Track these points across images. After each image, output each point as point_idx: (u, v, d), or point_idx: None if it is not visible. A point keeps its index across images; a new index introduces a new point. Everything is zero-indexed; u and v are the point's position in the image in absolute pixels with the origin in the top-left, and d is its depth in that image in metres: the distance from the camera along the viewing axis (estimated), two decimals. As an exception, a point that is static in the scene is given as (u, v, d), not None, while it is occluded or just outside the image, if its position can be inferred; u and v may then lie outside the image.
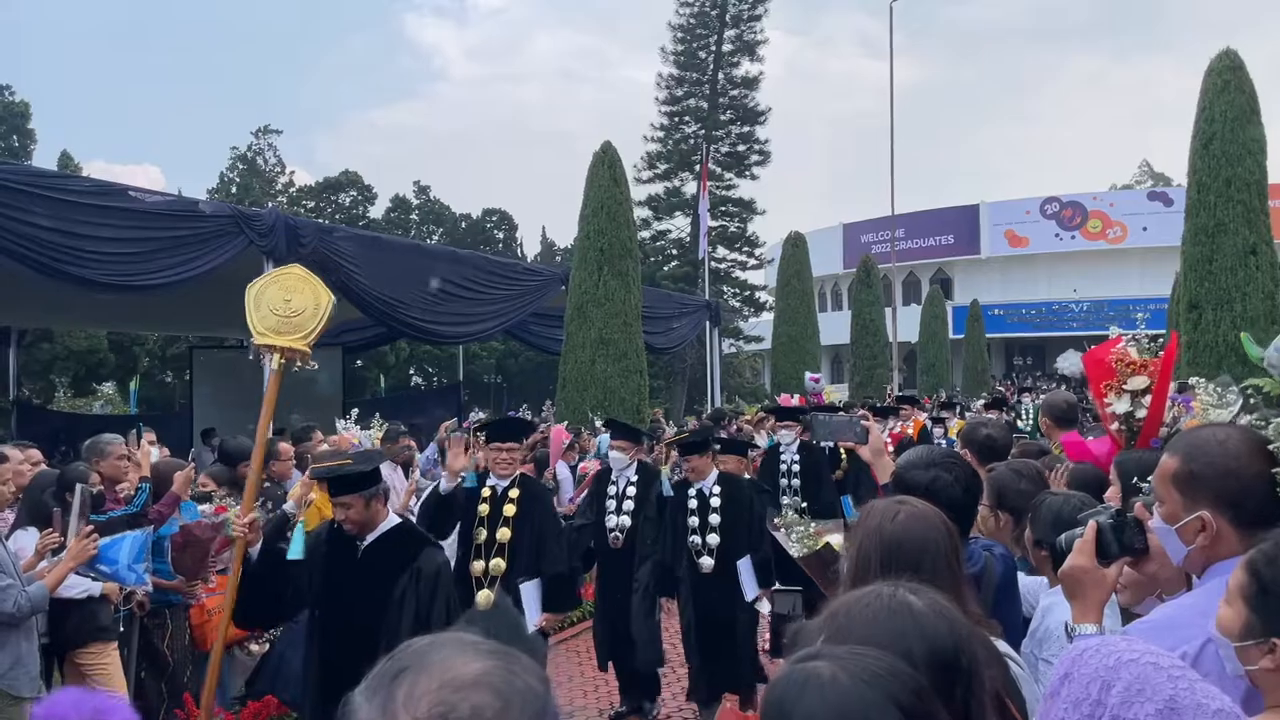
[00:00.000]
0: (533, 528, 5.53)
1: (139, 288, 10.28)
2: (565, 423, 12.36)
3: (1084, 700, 1.27)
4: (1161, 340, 3.46)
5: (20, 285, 11.28)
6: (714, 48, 38.74)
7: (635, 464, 6.79)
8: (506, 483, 5.62)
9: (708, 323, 21.32)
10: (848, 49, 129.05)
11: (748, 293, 40.28)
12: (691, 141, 38.64)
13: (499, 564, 5.44)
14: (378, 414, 8.67)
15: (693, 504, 6.23)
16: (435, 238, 45.82)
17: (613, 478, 6.78)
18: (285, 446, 7.07)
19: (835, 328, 33.39)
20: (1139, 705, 1.23)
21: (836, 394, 25.83)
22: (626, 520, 6.55)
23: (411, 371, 38.35)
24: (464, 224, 50.21)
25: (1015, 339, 45.53)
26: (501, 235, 51.80)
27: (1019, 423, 14.73)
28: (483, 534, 5.51)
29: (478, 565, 5.47)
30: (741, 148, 39.26)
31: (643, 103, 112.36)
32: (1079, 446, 3.77)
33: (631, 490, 6.64)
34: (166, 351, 30.43)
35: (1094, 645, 1.33)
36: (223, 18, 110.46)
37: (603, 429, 12.60)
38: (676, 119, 39.27)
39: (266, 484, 6.63)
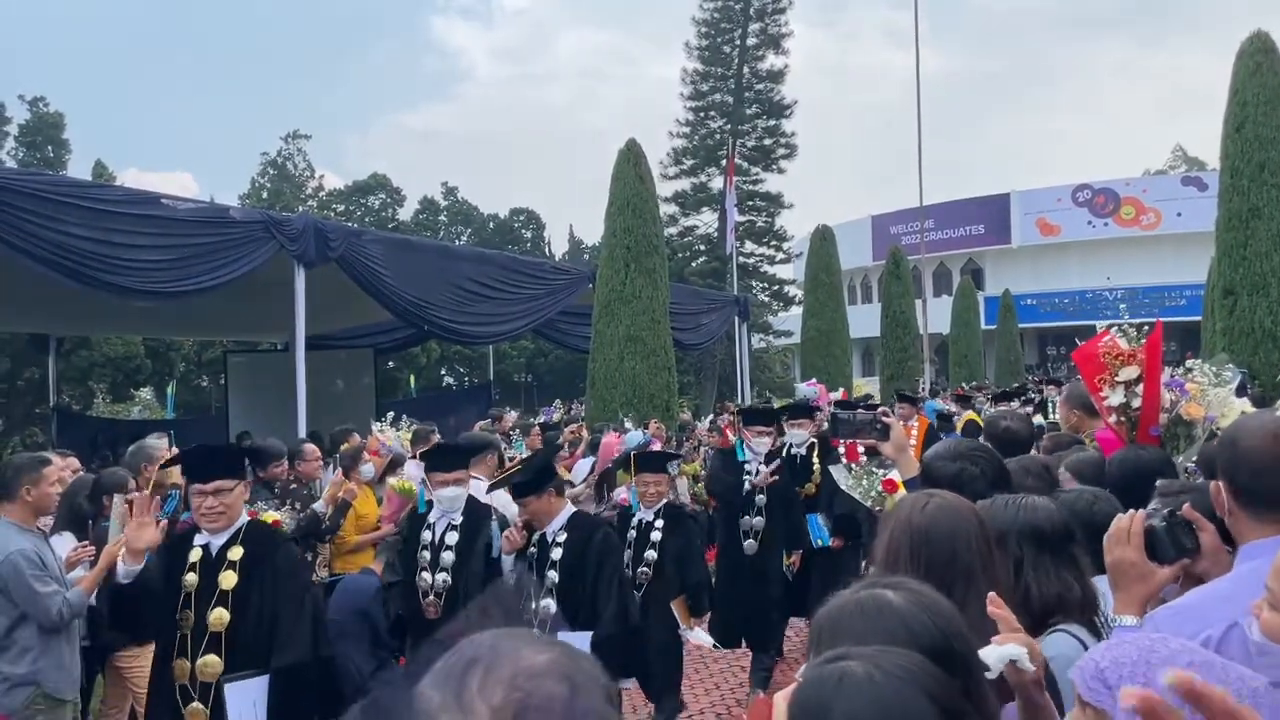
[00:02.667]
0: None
1: (173, 294, 10.42)
2: (610, 426, 12.32)
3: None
4: (1146, 328, 3.43)
5: (57, 294, 11.47)
6: (738, 42, 38.59)
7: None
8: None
9: (736, 318, 21.26)
10: (873, 40, 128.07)
11: (776, 287, 40.11)
12: (717, 136, 38.50)
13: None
14: (405, 415, 8.73)
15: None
16: (464, 238, 46.08)
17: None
18: (311, 448, 7.15)
19: (865, 321, 33.18)
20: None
21: (868, 387, 25.71)
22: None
23: (443, 372, 38.59)
24: (492, 224, 50.44)
25: (1048, 329, 45.01)
26: (529, 234, 51.99)
27: (1041, 416, 14.27)
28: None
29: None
30: (768, 142, 39.08)
31: (668, 99, 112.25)
32: (1115, 442, 3.73)
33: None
34: (202, 356, 30.82)
35: (1138, 659, 1.29)
36: (250, 26, 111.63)
37: (631, 428, 12.62)
38: (702, 114, 39.15)
39: (293, 485, 6.72)
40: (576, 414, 17.01)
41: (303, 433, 10.27)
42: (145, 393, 33.31)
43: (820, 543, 7.33)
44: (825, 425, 9.04)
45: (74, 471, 5.59)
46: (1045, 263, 45.05)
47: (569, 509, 5.03)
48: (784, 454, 7.64)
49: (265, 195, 43.78)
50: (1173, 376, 3.42)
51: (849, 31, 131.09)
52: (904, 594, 1.41)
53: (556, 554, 4.80)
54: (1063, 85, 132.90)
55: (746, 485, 7.11)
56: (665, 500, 6.13)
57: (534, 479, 4.96)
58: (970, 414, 12.45)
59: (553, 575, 4.81)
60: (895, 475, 3.28)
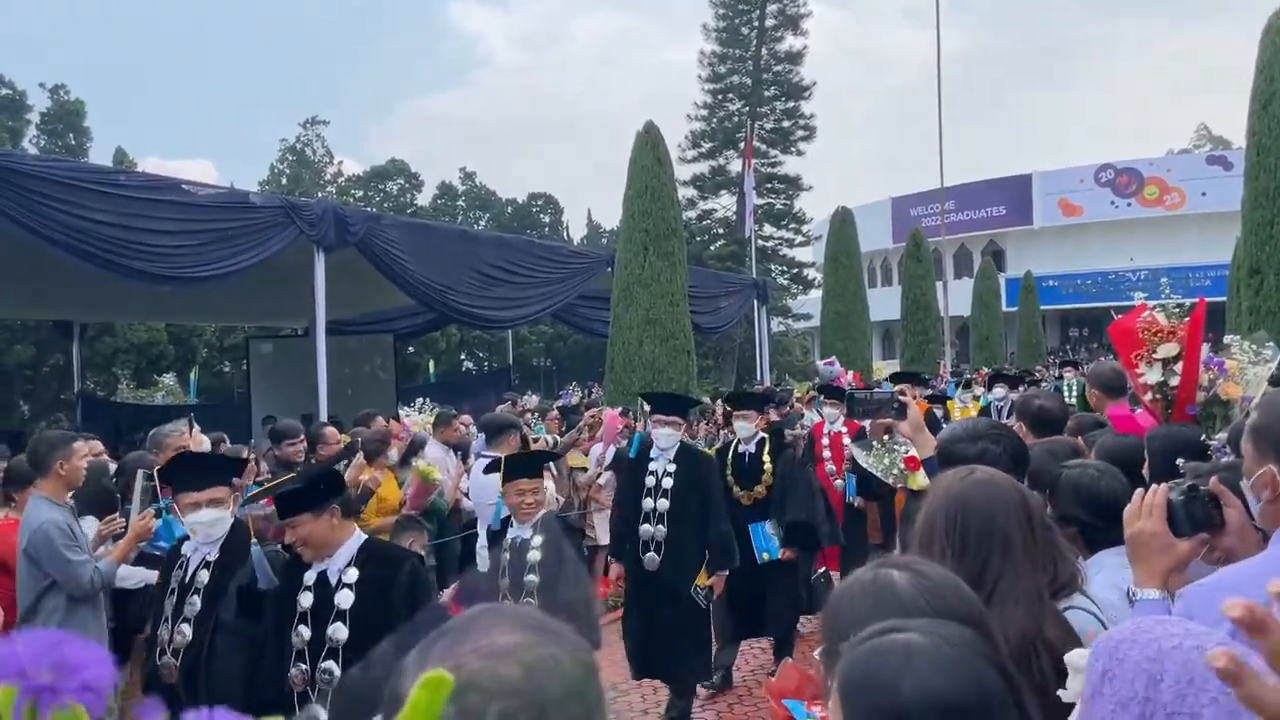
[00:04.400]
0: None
1: (194, 279, 10.49)
2: (620, 408, 12.37)
3: (1132, 699, 1.20)
4: (1189, 305, 3.38)
5: (81, 280, 11.57)
6: (757, 23, 38.31)
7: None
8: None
9: (755, 301, 21.20)
10: (892, 20, 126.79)
11: (796, 270, 39.95)
12: (736, 119, 38.28)
13: None
14: (426, 398, 8.76)
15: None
16: (482, 223, 46.10)
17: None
18: (331, 431, 7.19)
19: (885, 303, 33.01)
20: (1193, 696, 1.16)
21: (888, 370, 25.58)
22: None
23: (462, 356, 38.70)
24: (510, 209, 50.44)
25: (1070, 310, 44.63)
26: (547, 219, 51.96)
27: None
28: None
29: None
30: (786, 123, 38.85)
31: (686, 83, 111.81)
32: (1127, 420, 3.69)
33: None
34: (224, 341, 31.01)
35: (1128, 635, 1.26)
36: (268, 12, 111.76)
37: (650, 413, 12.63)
38: (720, 96, 38.94)
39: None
40: (596, 398, 17.03)
41: (324, 417, 10.33)
42: (168, 379, 33.56)
43: (768, 556, 6.50)
44: (775, 418, 8.90)
45: (96, 454, 5.65)
46: (1067, 244, 44.65)
47: (359, 538, 3.62)
48: (730, 451, 6.81)
49: (284, 181, 43.93)
50: (1211, 355, 3.36)
51: (867, 11, 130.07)
52: (910, 575, 1.38)
53: (343, 600, 3.42)
54: (1084, 64, 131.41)
55: (649, 483, 5.88)
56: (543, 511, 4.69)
57: (307, 490, 3.57)
58: (977, 403, 12.03)
59: (338, 630, 3.41)
60: (920, 476, 3.26)
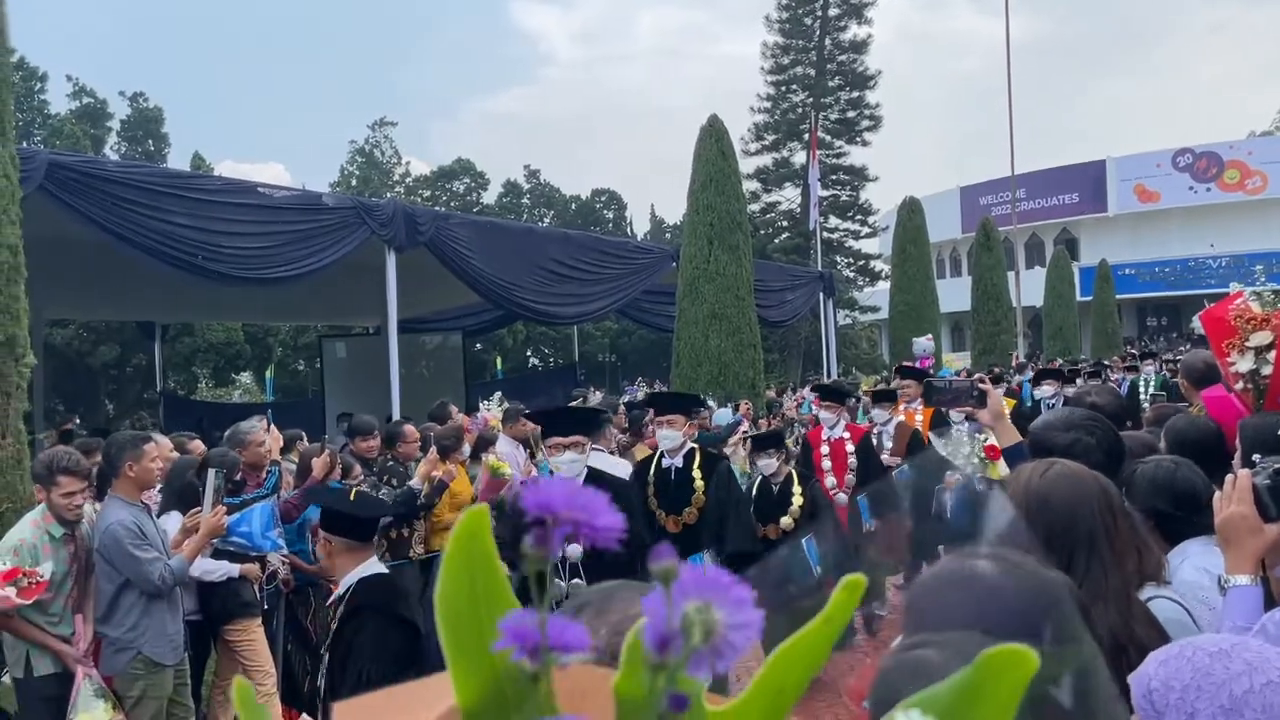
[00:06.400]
0: None
1: (270, 280, 10.73)
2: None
3: None
4: None
5: (162, 282, 11.92)
6: (820, 13, 37.93)
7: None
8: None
9: (821, 294, 21.02)
10: (958, 7, 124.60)
11: (862, 262, 39.51)
12: (799, 110, 37.98)
13: None
14: (499, 394, 8.86)
15: None
16: (546, 220, 46.40)
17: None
18: (410, 429, 7.30)
19: (955, 294, 32.47)
20: None
21: (959, 362, 25.20)
22: None
23: (529, 353, 39.03)
24: (574, 205, 50.66)
25: (1148, 299, 43.43)
26: (611, 215, 52.07)
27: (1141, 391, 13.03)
28: None
29: None
30: (851, 114, 38.42)
31: (749, 76, 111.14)
32: (1222, 401, 3.57)
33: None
34: (298, 340, 31.73)
35: (1189, 681, 1.19)
36: (334, 16, 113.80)
37: (715, 407, 12.60)
38: (783, 88, 38.66)
39: (390, 463, 6.90)
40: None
41: (396, 414, 10.51)
42: (245, 377, 34.46)
43: None
44: (702, 429, 8.37)
45: (171, 452, 5.80)
46: (1144, 231, 43.44)
47: (371, 564, 3.58)
48: (651, 468, 5.72)
49: (354, 183, 44.75)
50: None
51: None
52: (997, 563, 1.35)
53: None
54: (1158, 47, 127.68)
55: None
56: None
57: (332, 514, 3.63)
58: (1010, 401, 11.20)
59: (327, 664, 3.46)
60: (1002, 466, 3.20)
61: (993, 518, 2.23)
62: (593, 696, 0.47)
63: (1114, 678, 1.23)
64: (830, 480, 7.20)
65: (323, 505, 3.79)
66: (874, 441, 7.69)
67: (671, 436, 5.54)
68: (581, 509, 0.43)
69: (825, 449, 7.36)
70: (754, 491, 6.38)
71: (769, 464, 6.33)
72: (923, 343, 15.72)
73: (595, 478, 4.53)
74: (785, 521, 6.15)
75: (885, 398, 8.31)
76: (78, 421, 19.10)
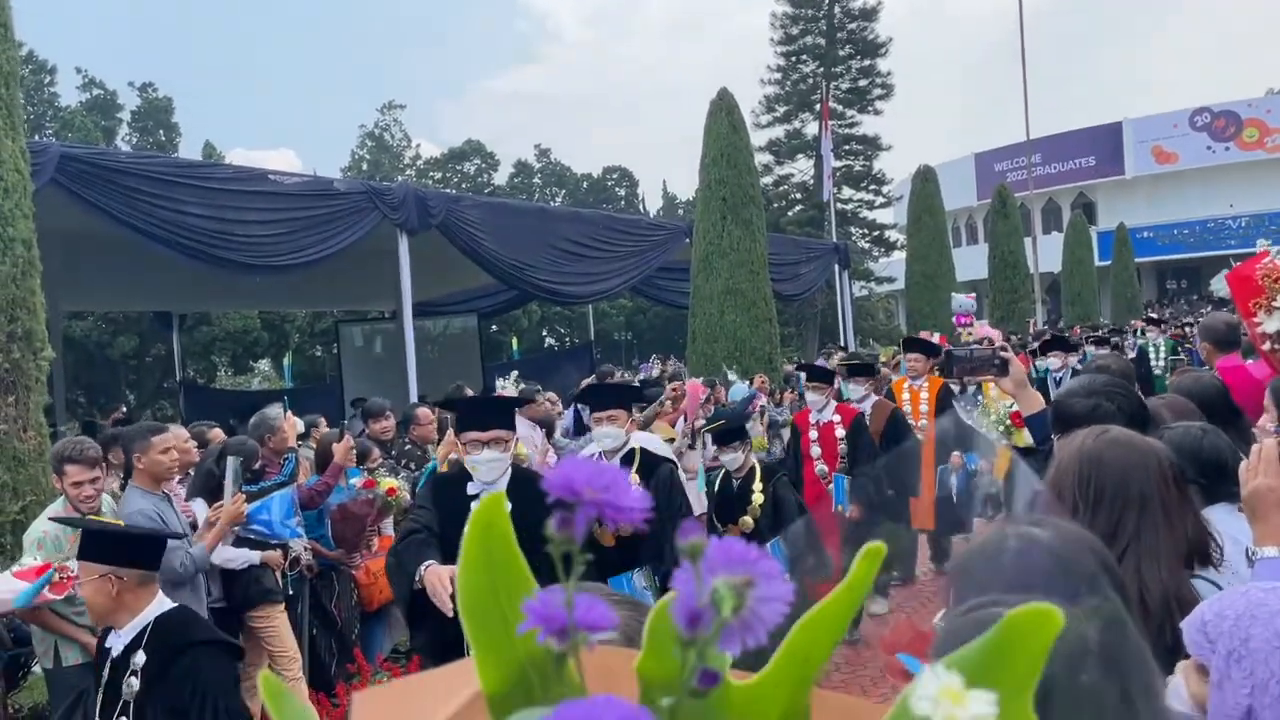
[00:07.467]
0: None
1: (284, 267, 10.75)
2: (701, 377, 12.35)
3: (1270, 679, 1.16)
4: None
5: (177, 271, 11.96)
6: (829, -19, 37.53)
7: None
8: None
9: (836, 266, 20.91)
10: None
11: (877, 232, 39.22)
12: (810, 81, 37.62)
13: None
14: (515, 372, 8.85)
15: None
16: (558, 199, 46.34)
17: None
18: (424, 412, 7.32)
19: (972, 262, 32.26)
20: None
21: (977, 330, 24.99)
22: None
23: (544, 333, 39.07)
24: (585, 184, 50.57)
25: (1167, 262, 43.05)
26: (623, 192, 51.96)
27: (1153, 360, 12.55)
28: None
29: None
30: (863, 83, 38.02)
31: (759, 48, 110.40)
32: (1238, 371, 3.54)
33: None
34: (314, 327, 31.86)
35: (1243, 610, 1.21)
36: (340, 2, 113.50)
37: (736, 380, 12.57)
38: (793, 59, 38.28)
39: (407, 447, 6.92)
40: (677, 370, 17.01)
41: (414, 397, 10.53)
42: (264, 364, 34.64)
43: None
44: (718, 404, 7.97)
45: (185, 441, 5.82)
46: (1162, 193, 42.97)
47: (159, 604, 3.09)
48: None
49: (365, 167, 44.81)
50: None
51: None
52: (1050, 529, 1.35)
53: (128, 688, 2.94)
54: (1174, 6, 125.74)
55: None
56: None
57: (101, 538, 3.15)
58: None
59: None
60: (1026, 435, 3.18)
61: (1019, 489, 2.21)
62: (617, 677, 0.46)
63: (1166, 635, 1.23)
64: (820, 467, 6.78)
65: (97, 534, 3.20)
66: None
67: (613, 435, 4.73)
68: (604, 489, 0.41)
69: (814, 434, 6.91)
70: (715, 488, 6.06)
71: (734, 458, 5.90)
72: (962, 299, 15.44)
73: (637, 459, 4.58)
74: (744, 521, 5.71)
75: (861, 372, 7.75)
76: (124, 410, 19.30)
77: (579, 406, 7.23)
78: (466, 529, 0.46)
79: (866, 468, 6.53)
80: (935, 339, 14.41)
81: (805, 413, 7.19)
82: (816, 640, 0.47)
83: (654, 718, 0.37)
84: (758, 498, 5.75)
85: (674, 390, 11.33)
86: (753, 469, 5.91)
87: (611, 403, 4.85)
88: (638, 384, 13.21)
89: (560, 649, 0.42)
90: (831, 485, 6.70)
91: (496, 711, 0.45)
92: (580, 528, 0.43)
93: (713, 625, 0.41)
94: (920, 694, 0.41)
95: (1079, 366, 8.88)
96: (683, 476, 8.45)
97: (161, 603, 3.08)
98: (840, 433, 6.79)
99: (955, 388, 7.90)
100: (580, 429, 8.55)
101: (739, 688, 0.46)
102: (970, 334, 14.62)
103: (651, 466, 4.73)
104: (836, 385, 7.50)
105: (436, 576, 3.31)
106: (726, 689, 0.45)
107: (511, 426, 3.91)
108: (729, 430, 6.20)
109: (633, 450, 4.79)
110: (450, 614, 2.99)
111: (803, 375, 7.69)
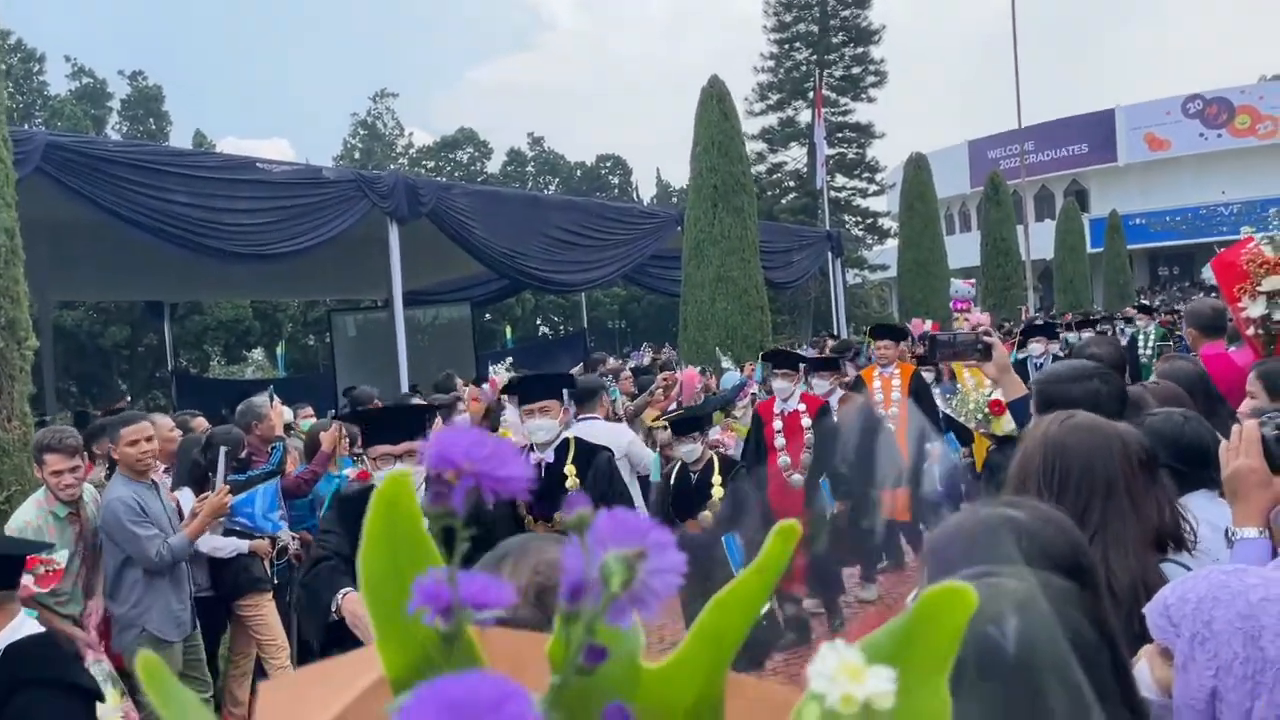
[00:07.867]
0: None
1: (273, 256, 10.72)
2: (699, 367, 12.32)
3: (1234, 660, 1.16)
4: None
5: (166, 261, 11.92)
6: (822, -32, 37.41)
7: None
8: None
9: (829, 253, 20.92)
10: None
11: (870, 220, 39.22)
12: (803, 68, 37.54)
13: None
14: (509, 359, 8.83)
15: None
16: (551, 188, 46.23)
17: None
18: (417, 403, 7.31)
19: (964, 250, 32.24)
20: None
21: (973, 319, 25.03)
22: None
23: (538, 322, 39.05)
24: (579, 172, 50.44)
25: (1160, 249, 43.07)
26: (616, 181, 51.84)
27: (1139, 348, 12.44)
28: None
29: None
30: (856, 70, 37.94)
31: (753, 36, 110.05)
32: (1221, 359, 3.54)
33: None
34: (307, 316, 31.80)
35: (1205, 593, 1.21)
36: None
37: (730, 367, 12.57)
38: (786, 46, 38.17)
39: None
40: (669, 359, 17.02)
41: (404, 387, 10.52)
42: (257, 354, 34.57)
43: None
44: (708, 392, 7.87)
45: (170, 430, 5.79)
46: (1154, 180, 42.99)
47: (22, 621, 2.90)
48: None
49: (357, 156, 44.65)
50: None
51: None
52: (1027, 510, 1.35)
53: None
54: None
55: None
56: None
57: None
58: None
59: None
60: (1000, 396, 3.17)
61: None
62: (524, 661, 0.45)
63: (1135, 622, 1.23)
64: (784, 459, 6.45)
65: None
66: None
67: (546, 427, 4.46)
68: (484, 460, 0.40)
69: (778, 424, 6.55)
70: (671, 481, 5.80)
71: (691, 449, 5.63)
72: (960, 285, 15.43)
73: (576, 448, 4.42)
74: (704, 516, 5.50)
75: (825, 366, 7.56)
76: (127, 400, 19.26)
77: (504, 399, 6.67)
78: (369, 506, 0.45)
79: (839, 463, 6.28)
80: (928, 326, 14.46)
81: (770, 402, 6.88)
82: (729, 622, 0.46)
83: (529, 695, 0.36)
84: (718, 491, 5.51)
85: (665, 379, 11.34)
86: (710, 461, 5.69)
87: (540, 394, 4.55)
88: (629, 371, 13.23)
89: (446, 629, 0.41)
90: (796, 476, 6.44)
91: (400, 695, 0.44)
92: (459, 500, 0.41)
93: (601, 599, 0.40)
94: (817, 670, 0.39)
95: (1060, 353, 8.83)
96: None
97: (17, 628, 2.75)
98: (806, 421, 6.51)
99: (929, 375, 7.73)
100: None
101: (650, 671, 0.44)
102: (966, 320, 14.65)
103: (588, 456, 4.53)
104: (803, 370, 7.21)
105: (357, 604, 2.96)
106: (632, 671, 0.43)
107: (424, 436, 3.51)
108: (685, 420, 5.94)
109: (566, 440, 4.57)
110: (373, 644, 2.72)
111: (770, 363, 7.22)
